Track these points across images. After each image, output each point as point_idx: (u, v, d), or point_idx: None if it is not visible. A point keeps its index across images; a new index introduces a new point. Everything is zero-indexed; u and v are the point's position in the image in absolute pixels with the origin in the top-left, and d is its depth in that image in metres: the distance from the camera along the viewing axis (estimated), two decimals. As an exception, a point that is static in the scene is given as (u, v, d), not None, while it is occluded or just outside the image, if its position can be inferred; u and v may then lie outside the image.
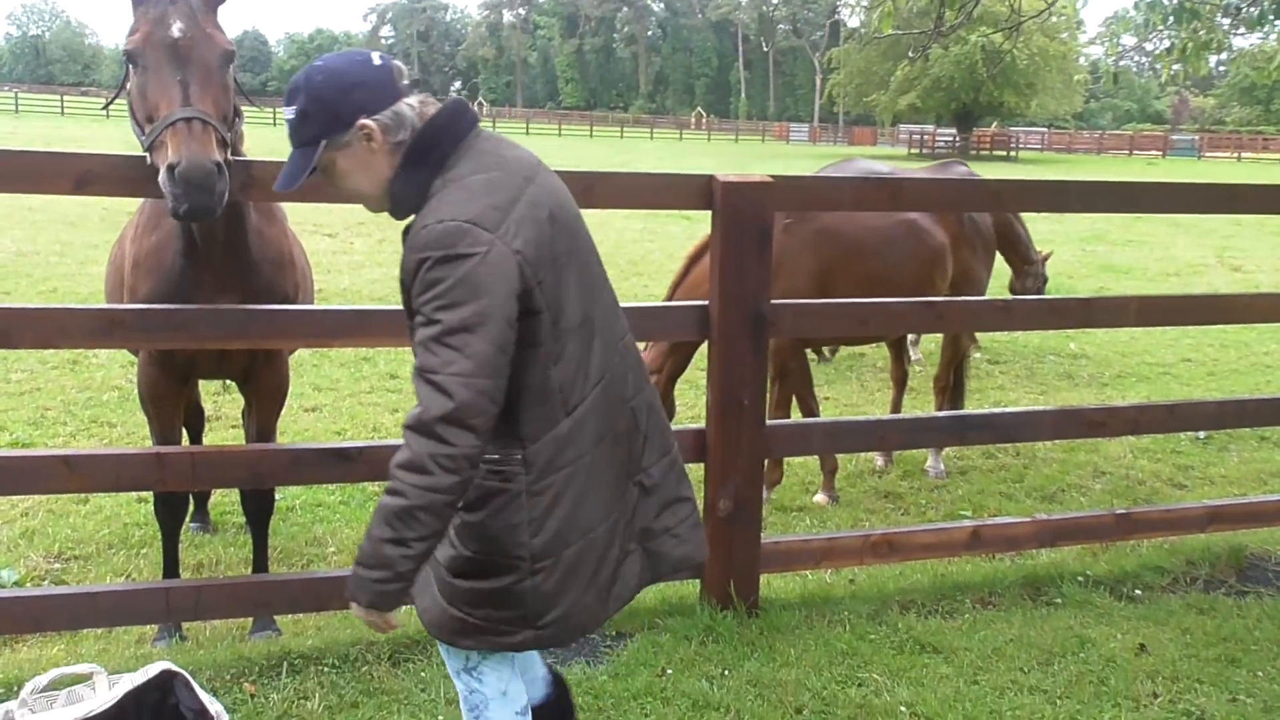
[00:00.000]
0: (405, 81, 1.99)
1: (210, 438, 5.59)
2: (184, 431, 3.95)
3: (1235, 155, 57.25)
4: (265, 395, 3.56)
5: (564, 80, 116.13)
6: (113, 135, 35.16)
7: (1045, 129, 67.19)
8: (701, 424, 3.48)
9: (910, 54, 32.61)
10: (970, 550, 3.79)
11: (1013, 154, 53.10)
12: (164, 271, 3.13)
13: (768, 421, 3.39)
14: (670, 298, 5.53)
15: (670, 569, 2.25)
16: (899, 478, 5.84)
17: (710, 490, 3.40)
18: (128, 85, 2.81)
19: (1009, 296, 3.83)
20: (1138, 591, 3.90)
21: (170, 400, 3.44)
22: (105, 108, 3.01)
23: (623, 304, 2.28)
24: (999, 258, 8.37)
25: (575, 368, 1.99)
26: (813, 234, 4.73)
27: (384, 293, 10.92)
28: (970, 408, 7.27)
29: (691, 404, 6.25)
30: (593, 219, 2.36)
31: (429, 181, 1.95)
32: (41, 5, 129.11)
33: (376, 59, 1.98)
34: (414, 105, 1.98)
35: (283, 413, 3.91)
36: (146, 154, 2.71)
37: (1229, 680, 3.25)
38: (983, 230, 5.79)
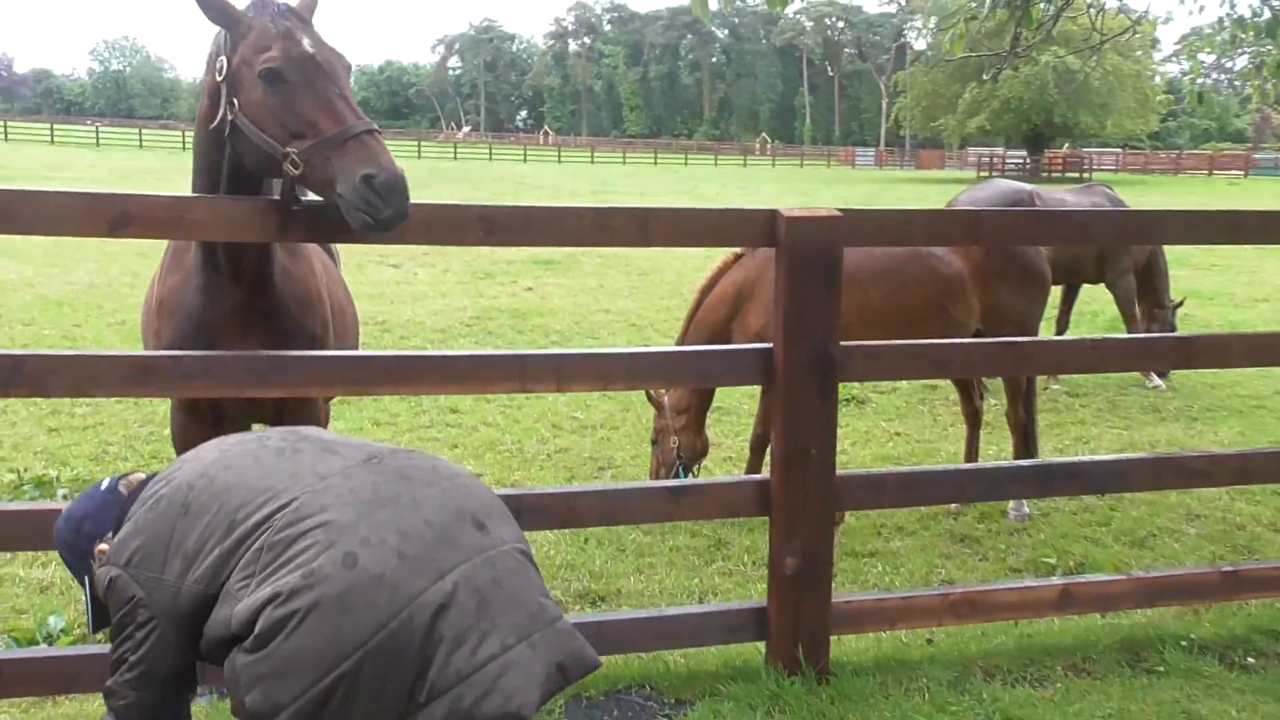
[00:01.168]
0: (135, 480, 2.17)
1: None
2: None
3: (1321, 174, 55.25)
4: None
5: (629, 108, 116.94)
6: (185, 166, 36.07)
7: (1120, 149, 65.68)
8: (762, 473, 3.25)
9: (984, 75, 32.06)
10: (1060, 611, 3.49)
11: (1086, 176, 51.90)
12: (185, 312, 3.02)
13: (838, 472, 3.14)
14: (684, 333, 5.32)
15: None
16: (976, 519, 5.52)
17: (775, 546, 3.16)
18: (234, 104, 2.71)
19: (1099, 335, 3.54)
20: (1250, 659, 3.55)
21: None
22: (213, 125, 2.81)
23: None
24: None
25: None
26: None
27: (446, 324, 10.87)
28: (1050, 443, 6.91)
29: (729, 437, 5.99)
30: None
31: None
32: (123, 41, 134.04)
33: (105, 483, 2.21)
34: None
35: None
36: (292, 169, 2.64)
37: (1361, 769, 2.91)
38: (1024, 261, 5.36)
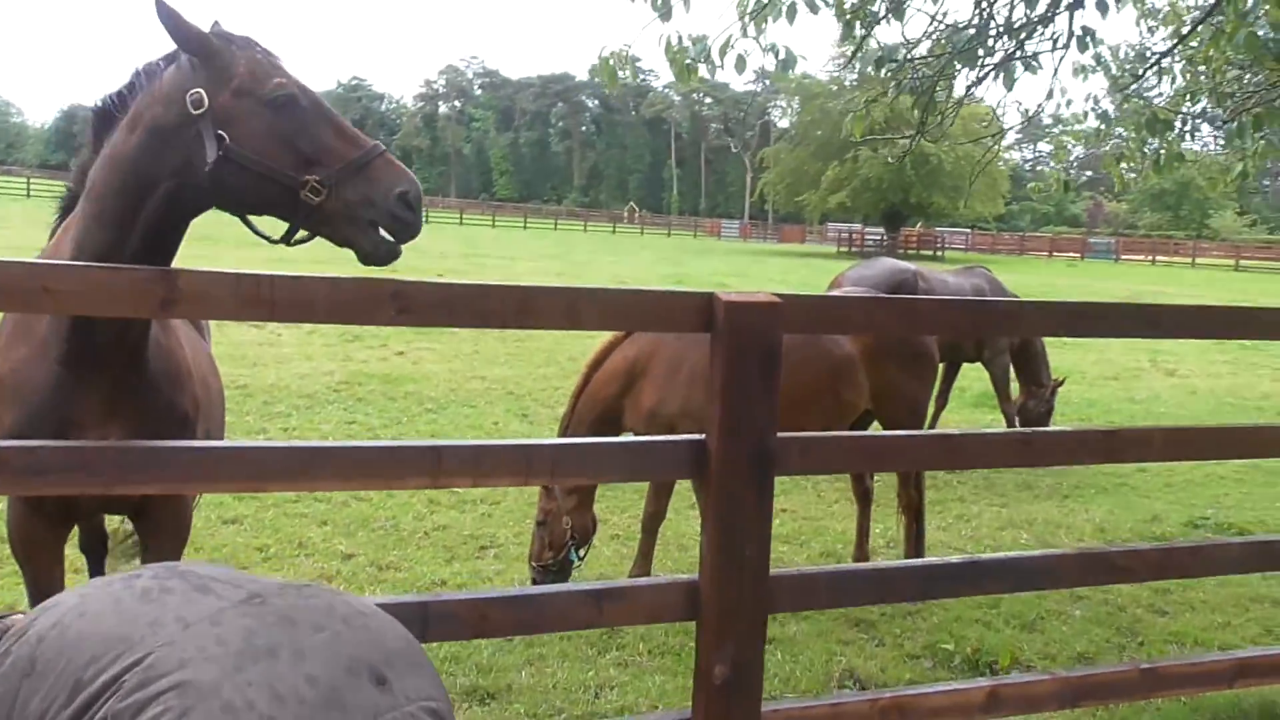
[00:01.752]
0: None
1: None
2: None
3: (1150, 259, 59.46)
4: (165, 535, 3.01)
5: (498, 172, 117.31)
6: (31, 214, 34.04)
7: (969, 230, 69.27)
8: (689, 574, 3.03)
9: (889, 158, 33.30)
10: (987, 714, 3.35)
11: (939, 254, 54.42)
12: (37, 392, 2.63)
13: (771, 571, 2.94)
14: (572, 409, 5.12)
15: None
16: (871, 603, 5.44)
17: (704, 654, 2.93)
18: (224, 137, 2.49)
19: (1030, 429, 3.51)
20: (1171, 760, 3.50)
21: (48, 546, 2.89)
22: (181, 168, 2.58)
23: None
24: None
25: None
26: (693, 342, 4.43)
27: (313, 389, 10.35)
28: (932, 521, 6.92)
29: (615, 513, 5.72)
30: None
31: None
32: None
33: None
34: None
35: (192, 530, 3.35)
36: (312, 197, 2.50)
37: None
38: (914, 341, 5.44)
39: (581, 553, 5.27)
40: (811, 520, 7.05)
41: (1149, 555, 3.50)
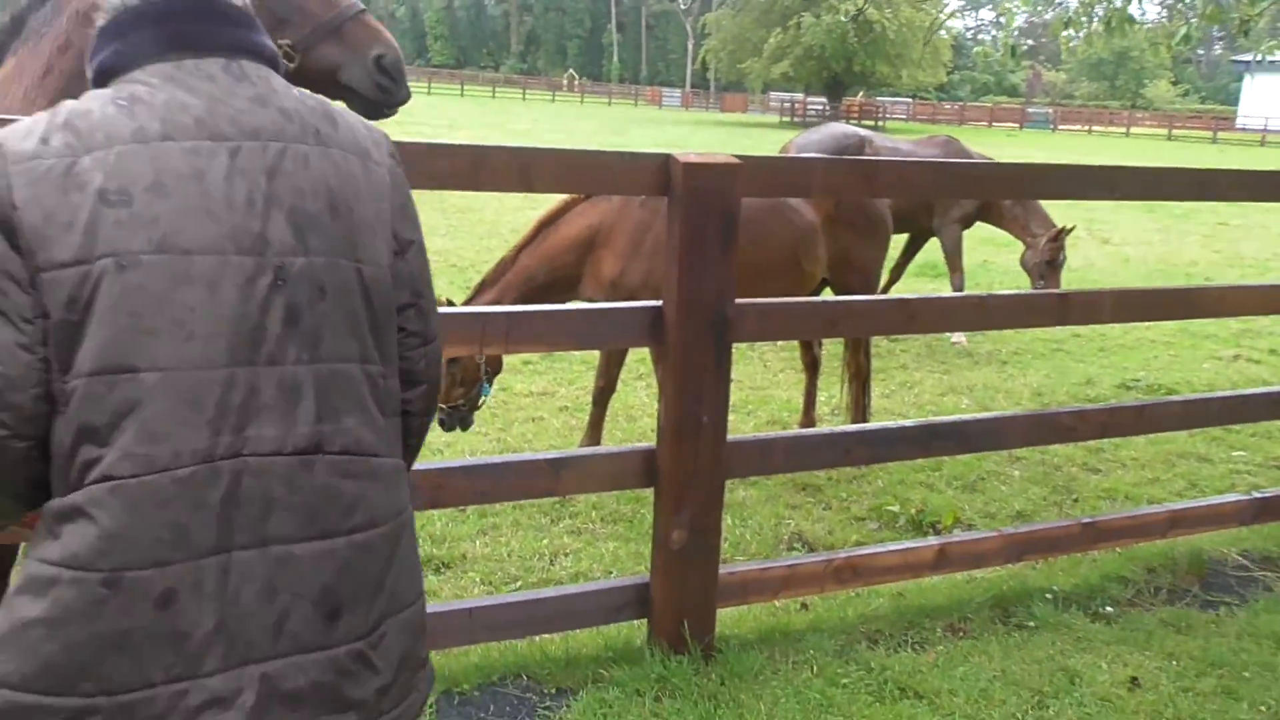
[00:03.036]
0: None
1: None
2: None
3: (1087, 128, 59.75)
4: None
5: (433, 37, 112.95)
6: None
7: (910, 99, 68.76)
8: (646, 442, 3.02)
9: (842, 17, 32.21)
10: (937, 570, 3.46)
11: (880, 123, 54.09)
12: None
13: (728, 438, 2.94)
14: (510, 263, 4.78)
15: None
16: (817, 467, 5.54)
17: (661, 520, 2.94)
18: None
19: (985, 293, 3.49)
20: (1108, 609, 3.63)
21: None
22: None
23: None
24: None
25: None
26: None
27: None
28: (876, 389, 7.03)
29: (562, 385, 5.69)
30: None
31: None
32: None
33: None
34: None
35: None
36: (287, 63, 2.29)
37: (1234, 718, 3.00)
38: (869, 209, 5.35)
39: (491, 387, 5.06)
40: (758, 390, 7.10)
41: (1093, 416, 3.57)
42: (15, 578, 1.40)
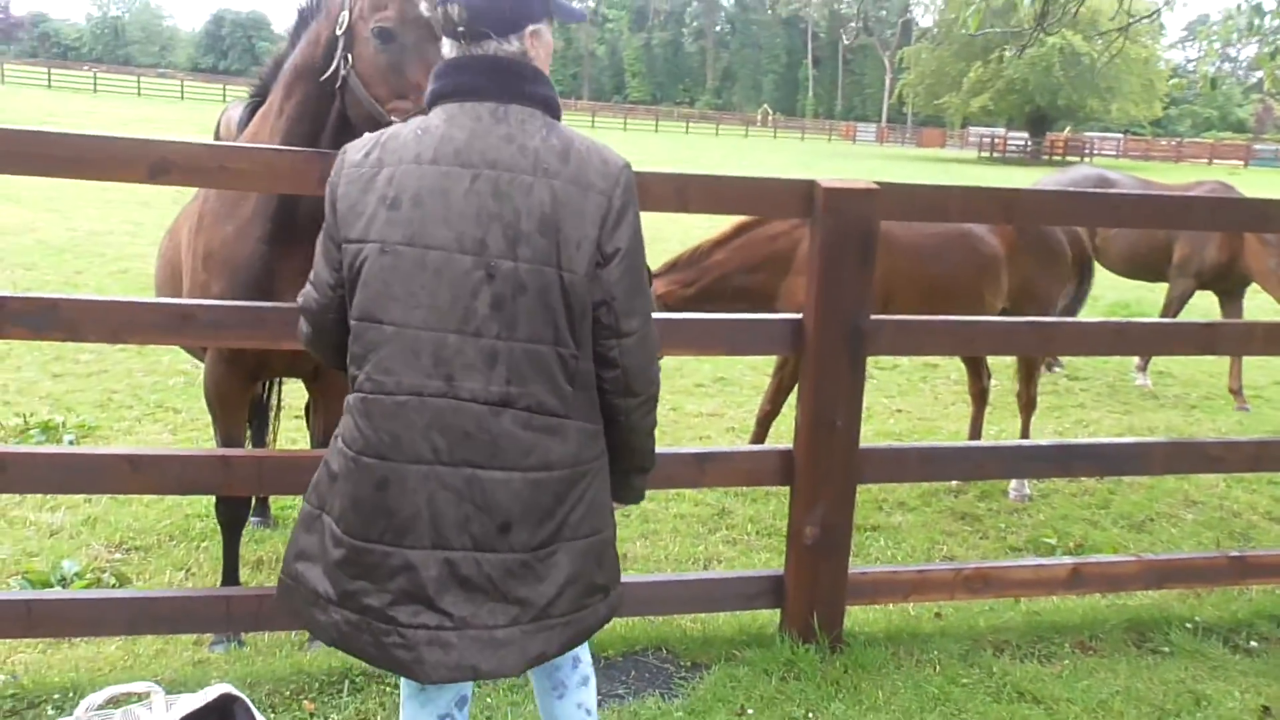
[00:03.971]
0: (457, 28, 1.91)
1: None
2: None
3: (1322, 167, 55.16)
4: (336, 394, 3.41)
5: (631, 74, 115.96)
6: (185, 117, 35.74)
7: (1121, 135, 65.52)
8: (788, 443, 3.27)
9: (1007, 52, 31.64)
10: (1070, 589, 3.53)
11: (1087, 160, 51.84)
12: (243, 262, 2.98)
13: (861, 445, 3.17)
14: (706, 252, 5.06)
15: None
16: (976, 498, 5.57)
17: (796, 516, 3.19)
18: (348, 58, 2.72)
19: (1125, 319, 3.53)
20: (1253, 643, 3.61)
21: (237, 399, 3.31)
22: (324, 77, 2.79)
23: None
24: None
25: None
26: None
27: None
28: (1050, 426, 6.96)
29: (732, 407, 5.98)
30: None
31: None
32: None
33: None
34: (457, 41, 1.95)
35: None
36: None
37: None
38: (1049, 241, 5.46)
39: None
40: (926, 420, 7.16)
41: (1244, 447, 3.56)
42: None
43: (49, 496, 4.60)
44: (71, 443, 5.53)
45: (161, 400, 6.40)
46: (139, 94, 53.24)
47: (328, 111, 2.85)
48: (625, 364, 1.96)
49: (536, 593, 1.89)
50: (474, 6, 1.87)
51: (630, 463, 2.11)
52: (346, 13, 2.72)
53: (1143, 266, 8.30)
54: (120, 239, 11.97)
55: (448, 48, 1.95)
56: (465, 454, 1.84)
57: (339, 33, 2.74)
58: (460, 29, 1.89)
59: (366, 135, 1.96)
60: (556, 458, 1.89)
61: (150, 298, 2.93)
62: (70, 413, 5.94)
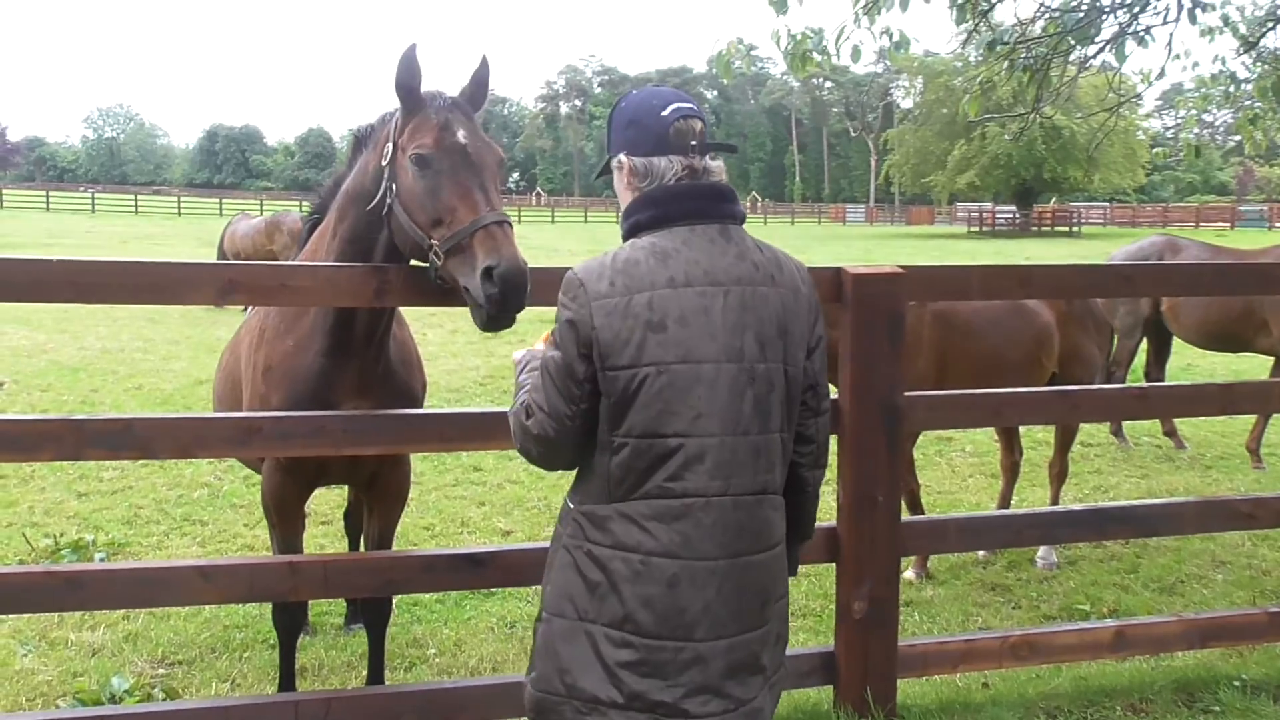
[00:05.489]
0: (691, 141, 2.12)
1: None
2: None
3: (1308, 225, 55.91)
4: (391, 498, 3.51)
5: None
6: (183, 232, 36.32)
7: (1107, 204, 66.56)
8: (832, 520, 3.36)
9: (1005, 135, 32.45)
10: (1115, 652, 3.58)
11: (1075, 229, 52.58)
12: (301, 375, 3.09)
13: (903, 518, 3.25)
14: None
15: None
16: (1004, 569, 5.60)
17: (843, 591, 3.26)
18: (393, 187, 2.80)
19: (1146, 384, 3.65)
20: (1301, 698, 3.64)
21: (295, 506, 3.40)
22: (370, 205, 2.87)
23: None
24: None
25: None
26: (931, 314, 4.85)
27: (460, 383, 10.95)
28: (1069, 492, 7.00)
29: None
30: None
31: (626, 233, 2.15)
32: (117, 109, 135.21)
33: (668, 111, 2.15)
34: (675, 164, 2.12)
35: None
36: (434, 255, 2.70)
37: None
38: (1094, 311, 5.84)
39: None
40: (946, 494, 7.19)
41: (1273, 503, 3.63)
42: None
43: (88, 616, 4.62)
44: (103, 560, 5.56)
45: (188, 514, 6.44)
46: (136, 212, 54.19)
47: (377, 236, 2.93)
48: (820, 439, 2.25)
49: (770, 656, 2.16)
50: (705, 122, 2.13)
51: (800, 532, 2.33)
52: (391, 145, 2.83)
53: (1216, 337, 8.12)
54: (132, 355, 12.10)
55: (652, 164, 2.12)
56: (740, 545, 2.07)
57: (384, 163, 2.84)
58: (694, 143, 2.11)
59: (591, 263, 2.10)
60: (780, 531, 2.17)
61: (217, 414, 3.04)
62: (99, 531, 5.98)
